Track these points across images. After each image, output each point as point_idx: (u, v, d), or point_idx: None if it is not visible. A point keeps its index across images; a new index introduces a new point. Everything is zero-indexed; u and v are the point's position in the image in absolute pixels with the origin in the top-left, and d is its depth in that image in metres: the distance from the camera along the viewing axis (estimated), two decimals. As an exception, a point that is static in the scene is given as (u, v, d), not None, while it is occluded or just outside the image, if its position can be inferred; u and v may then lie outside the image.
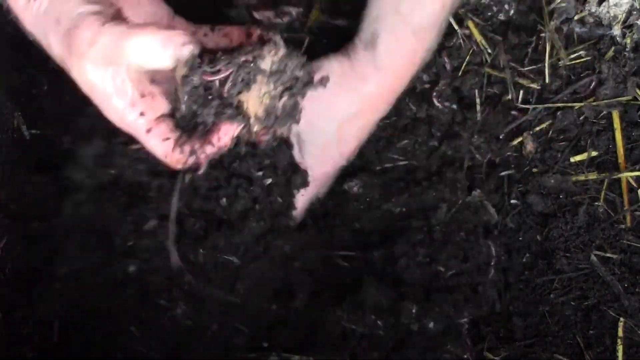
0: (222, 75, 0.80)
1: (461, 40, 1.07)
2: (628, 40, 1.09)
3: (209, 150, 0.82)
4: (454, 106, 1.04)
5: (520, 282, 0.97)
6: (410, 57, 0.91)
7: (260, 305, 0.92)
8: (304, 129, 0.93)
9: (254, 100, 0.81)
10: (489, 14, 1.11)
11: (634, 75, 1.07)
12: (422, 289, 0.93)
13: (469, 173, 1.02)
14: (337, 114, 0.93)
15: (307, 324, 0.91)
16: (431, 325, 0.90)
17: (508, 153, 1.05)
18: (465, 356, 0.89)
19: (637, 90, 1.06)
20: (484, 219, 0.98)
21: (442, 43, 1.07)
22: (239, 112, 0.81)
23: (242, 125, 0.82)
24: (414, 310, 0.90)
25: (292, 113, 0.84)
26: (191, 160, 0.82)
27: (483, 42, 1.08)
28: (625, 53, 1.09)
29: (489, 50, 1.08)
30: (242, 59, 0.80)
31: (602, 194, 1.01)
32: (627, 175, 1.02)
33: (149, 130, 0.80)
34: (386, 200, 1.00)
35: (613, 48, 1.09)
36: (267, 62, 0.80)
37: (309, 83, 0.83)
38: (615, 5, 1.10)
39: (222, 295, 0.91)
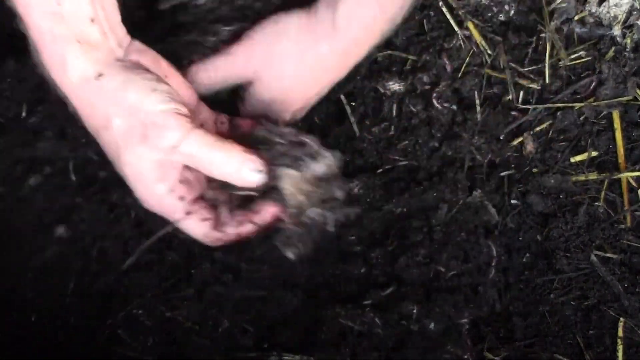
0: (278, 139, 0.86)
1: (461, 42, 1.07)
2: (628, 41, 1.09)
3: (250, 228, 0.88)
4: (454, 107, 1.04)
5: (521, 282, 0.97)
6: (369, 23, 0.92)
7: (263, 305, 0.93)
8: (260, 69, 0.94)
9: (292, 190, 0.87)
10: (489, 14, 1.12)
11: (634, 75, 1.07)
12: (422, 289, 0.93)
13: (469, 173, 1.02)
14: (287, 70, 0.93)
15: (306, 323, 0.91)
16: (431, 325, 0.90)
17: (508, 153, 1.05)
18: (465, 356, 0.89)
19: (638, 91, 1.06)
20: (485, 219, 0.99)
21: (442, 44, 1.07)
22: (280, 194, 0.86)
23: (283, 208, 0.87)
24: (414, 311, 0.90)
25: (314, 231, 0.89)
26: (232, 238, 0.88)
27: (483, 43, 1.08)
28: (626, 53, 1.09)
29: (489, 51, 1.08)
30: (302, 138, 0.87)
31: (602, 194, 1.01)
32: (627, 175, 1.02)
33: (188, 213, 0.85)
34: (387, 201, 1.00)
35: (613, 48, 1.09)
36: (321, 166, 0.87)
37: (342, 206, 0.90)
38: (616, 5, 1.10)
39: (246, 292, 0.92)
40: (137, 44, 0.84)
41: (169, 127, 0.80)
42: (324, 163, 0.87)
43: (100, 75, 0.78)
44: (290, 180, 0.86)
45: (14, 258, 0.94)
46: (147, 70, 0.83)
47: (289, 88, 0.95)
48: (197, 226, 0.86)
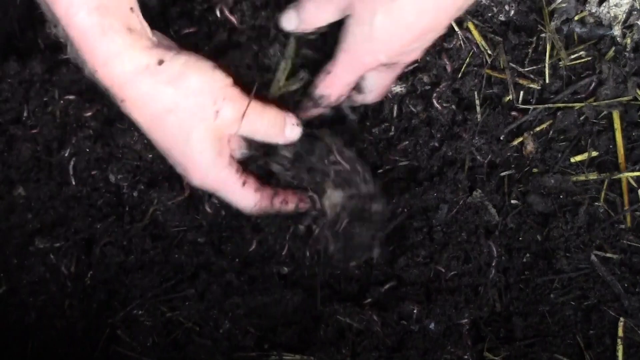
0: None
1: (461, 42, 1.07)
2: (628, 41, 1.09)
3: (290, 208, 0.93)
4: (454, 107, 1.04)
5: (521, 282, 0.97)
6: None
7: (264, 305, 0.93)
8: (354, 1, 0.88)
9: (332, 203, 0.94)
10: (489, 14, 1.11)
11: (634, 75, 1.07)
12: (422, 289, 0.93)
13: (469, 173, 1.02)
14: (379, 5, 0.87)
15: (306, 322, 0.91)
16: (432, 326, 0.90)
17: (508, 153, 1.05)
18: (465, 356, 0.89)
19: (638, 91, 1.06)
20: (485, 220, 0.99)
21: (442, 44, 1.07)
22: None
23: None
24: (414, 311, 0.91)
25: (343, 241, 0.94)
26: (274, 211, 0.93)
27: (483, 43, 1.08)
28: (626, 53, 1.09)
29: (489, 52, 1.08)
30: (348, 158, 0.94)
31: (602, 194, 1.01)
32: (627, 175, 1.02)
33: (244, 183, 0.90)
34: (387, 201, 1.00)
35: (613, 48, 1.09)
36: (365, 188, 0.94)
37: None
38: (616, 5, 1.10)
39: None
40: (158, 33, 0.86)
41: (236, 99, 0.84)
42: (368, 189, 0.93)
43: (161, 61, 0.80)
44: (332, 199, 0.93)
45: (13, 258, 0.94)
46: (192, 52, 0.85)
47: (381, 26, 0.88)
48: (251, 196, 0.90)
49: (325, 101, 0.95)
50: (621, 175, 1.02)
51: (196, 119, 0.83)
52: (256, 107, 0.87)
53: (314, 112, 0.97)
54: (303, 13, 0.94)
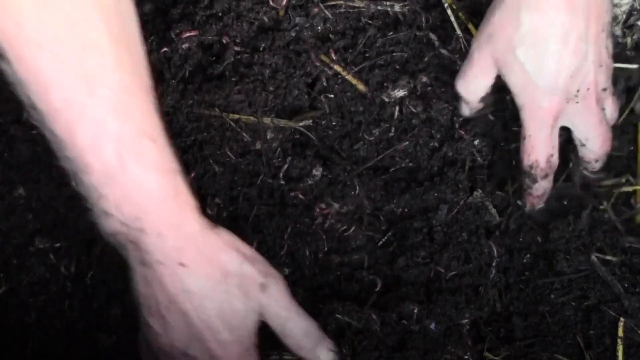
0: None
1: (462, 44, 1.07)
2: (628, 41, 1.10)
3: None
4: (455, 108, 1.04)
5: (521, 283, 0.97)
6: None
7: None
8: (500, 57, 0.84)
9: None
10: (490, 15, 1.11)
11: (635, 75, 1.07)
12: (423, 289, 0.93)
13: (470, 174, 1.03)
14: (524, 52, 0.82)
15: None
16: (432, 326, 0.90)
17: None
18: (465, 356, 0.89)
19: (638, 91, 1.06)
20: (485, 220, 0.99)
21: (442, 46, 1.07)
22: None
23: None
24: (415, 311, 0.91)
25: None
26: None
27: (483, 43, 1.08)
28: (626, 53, 1.09)
29: (490, 52, 1.08)
30: None
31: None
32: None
33: None
34: (387, 201, 1.00)
35: (613, 48, 1.09)
36: None
37: None
38: (616, 5, 1.10)
39: None
40: None
41: (280, 280, 0.77)
42: None
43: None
44: None
45: (13, 258, 0.95)
46: None
47: (524, 53, 0.81)
48: None
49: (539, 172, 0.90)
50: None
51: (244, 291, 0.72)
52: (295, 303, 0.77)
53: (538, 192, 0.93)
54: (467, 102, 0.94)
